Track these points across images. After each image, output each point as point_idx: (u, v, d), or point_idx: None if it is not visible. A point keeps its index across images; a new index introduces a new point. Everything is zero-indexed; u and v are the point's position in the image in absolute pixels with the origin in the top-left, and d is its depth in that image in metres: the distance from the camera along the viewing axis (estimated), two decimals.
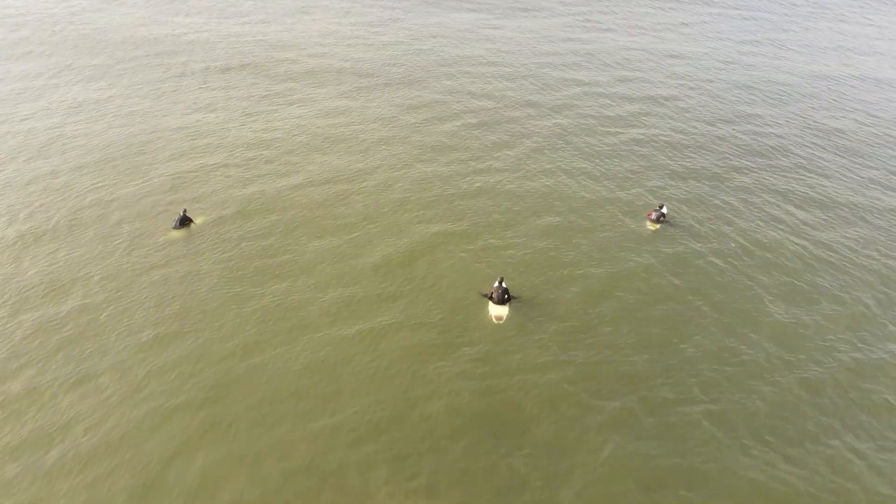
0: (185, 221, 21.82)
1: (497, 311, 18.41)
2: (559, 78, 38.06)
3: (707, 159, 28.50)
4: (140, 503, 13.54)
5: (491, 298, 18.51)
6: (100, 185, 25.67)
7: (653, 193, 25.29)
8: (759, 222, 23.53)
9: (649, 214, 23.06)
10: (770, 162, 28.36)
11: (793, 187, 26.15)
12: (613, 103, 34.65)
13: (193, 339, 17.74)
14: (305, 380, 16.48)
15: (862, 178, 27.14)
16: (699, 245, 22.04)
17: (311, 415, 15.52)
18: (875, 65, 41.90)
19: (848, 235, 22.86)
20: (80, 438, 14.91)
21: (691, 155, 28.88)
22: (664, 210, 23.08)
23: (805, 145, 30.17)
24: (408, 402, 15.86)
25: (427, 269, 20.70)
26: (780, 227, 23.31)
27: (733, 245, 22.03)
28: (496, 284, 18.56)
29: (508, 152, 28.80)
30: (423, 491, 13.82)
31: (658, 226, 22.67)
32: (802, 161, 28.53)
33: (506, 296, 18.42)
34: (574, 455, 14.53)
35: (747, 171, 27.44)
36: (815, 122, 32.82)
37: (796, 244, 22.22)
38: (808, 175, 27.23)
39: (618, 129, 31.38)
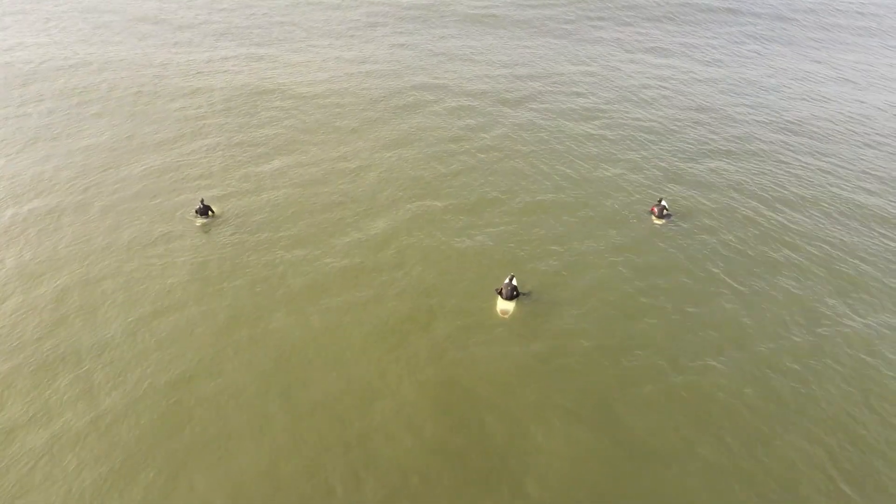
0: (205, 211, 22.90)
1: (504, 306, 18.92)
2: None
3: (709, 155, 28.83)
4: None
5: (500, 294, 18.96)
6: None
7: (653, 188, 25.70)
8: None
9: (652, 210, 23.40)
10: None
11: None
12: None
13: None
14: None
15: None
16: (708, 238, 22.51)
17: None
18: None
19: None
20: None
21: (692, 152, 29.18)
22: (664, 203, 23.42)
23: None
24: None
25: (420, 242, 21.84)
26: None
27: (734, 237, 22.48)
28: (506, 281, 19.00)
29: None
30: None
31: (663, 220, 23.04)
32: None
33: (514, 292, 18.83)
34: None
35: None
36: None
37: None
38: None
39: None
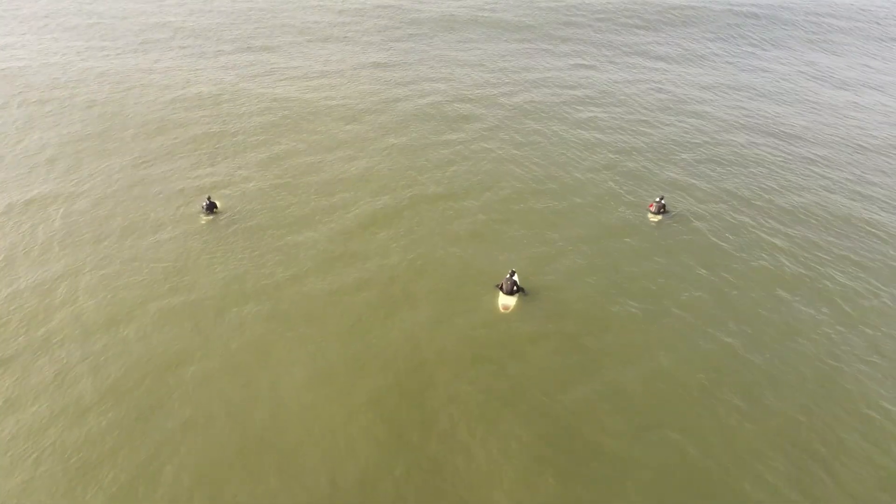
0: (211, 207, 22.94)
1: (504, 301, 18.90)
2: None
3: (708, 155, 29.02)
4: None
5: (501, 289, 18.97)
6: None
7: (645, 185, 25.80)
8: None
9: (650, 206, 23.49)
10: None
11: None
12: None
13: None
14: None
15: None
16: (703, 230, 22.59)
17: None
18: None
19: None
20: None
21: (690, 152, 29.35)
22: (663, 201, 23.53)
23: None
24: None
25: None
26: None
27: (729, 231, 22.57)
28: (507, 276, 19.03)
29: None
30: None
31: (660, 217, 23.14)
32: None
33: (515, 288, 18.83)
34: None
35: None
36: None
37: None
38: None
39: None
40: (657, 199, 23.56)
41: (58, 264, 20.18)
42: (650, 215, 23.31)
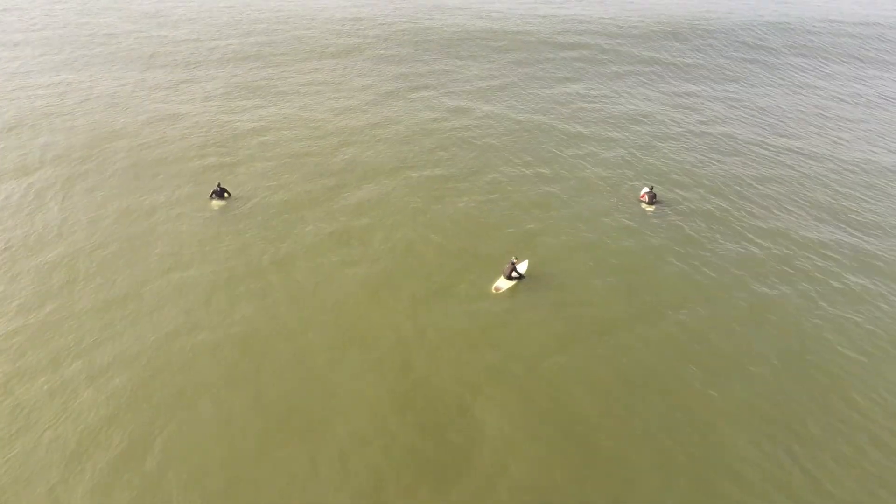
0: (221, 193, 23.57)
1: (498, 283, 19.64)
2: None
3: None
4: None
5: (503, 272, 19.77)
6: None
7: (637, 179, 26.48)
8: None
9: (642, 197, 24.20)
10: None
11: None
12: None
13: None
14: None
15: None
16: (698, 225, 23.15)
17: None
18: None
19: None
20: None
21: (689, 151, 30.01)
22: (654, 190, 24.27)
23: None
24: None
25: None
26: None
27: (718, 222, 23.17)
28: (511, 261, 19.84)
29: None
30: None
31: (653, 207, 23.84)
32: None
33: (513, 273, 19.50)
34: None
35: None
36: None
37: None
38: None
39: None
40: (647, 189, 24.23)
41: (62, 244, 20.65)
42: (643, 205, 23.99)
